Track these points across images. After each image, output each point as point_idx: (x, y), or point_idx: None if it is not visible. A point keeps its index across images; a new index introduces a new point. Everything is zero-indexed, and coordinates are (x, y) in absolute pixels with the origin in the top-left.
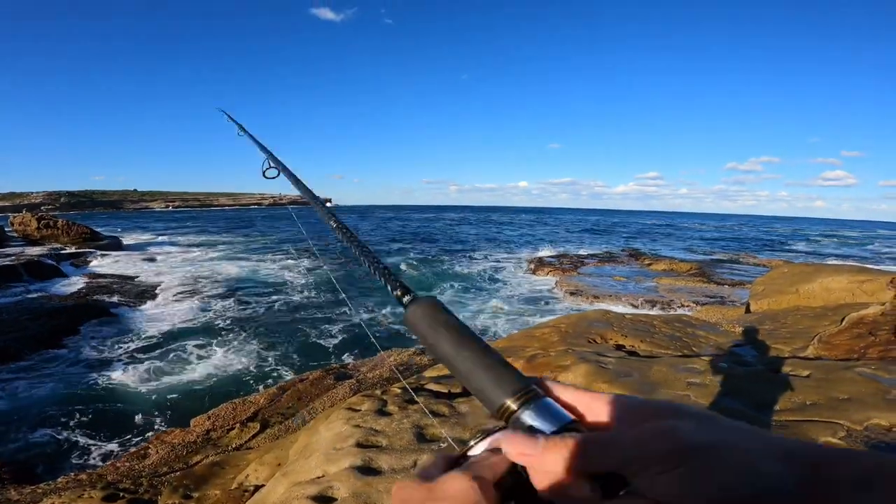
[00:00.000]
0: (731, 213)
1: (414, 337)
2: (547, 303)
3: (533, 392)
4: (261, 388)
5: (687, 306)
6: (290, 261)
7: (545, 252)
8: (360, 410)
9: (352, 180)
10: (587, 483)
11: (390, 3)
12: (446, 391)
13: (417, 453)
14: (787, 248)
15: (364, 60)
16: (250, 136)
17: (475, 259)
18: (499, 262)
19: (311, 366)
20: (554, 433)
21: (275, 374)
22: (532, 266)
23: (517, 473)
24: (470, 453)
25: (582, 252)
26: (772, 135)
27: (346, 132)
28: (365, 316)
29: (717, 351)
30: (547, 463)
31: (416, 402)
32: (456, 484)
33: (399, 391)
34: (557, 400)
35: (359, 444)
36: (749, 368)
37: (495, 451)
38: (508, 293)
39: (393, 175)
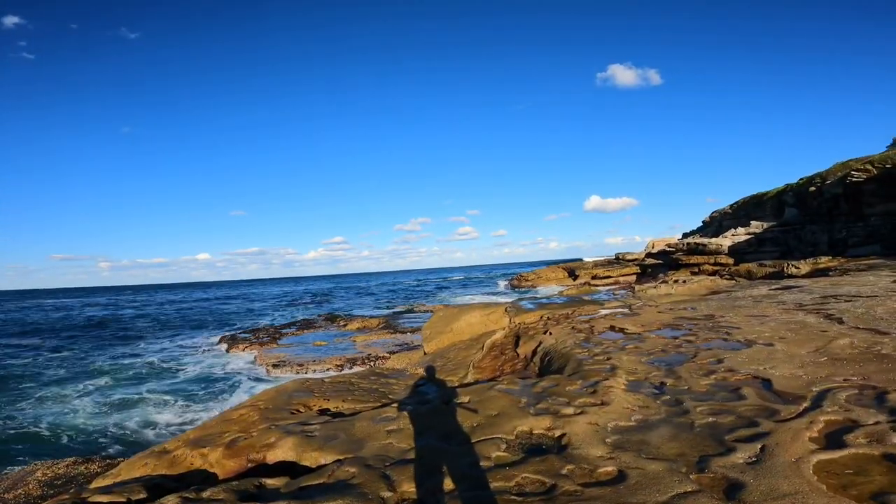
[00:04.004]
0: (404, 268)
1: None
2: (241, 382)
3: None
4: None
5: (383, 357)
6: None
7: (238, 327)
8: None
9: None
10: None
11: (32, 36)
12: (124, 499)
13: None
14: (443, 293)
15: None
16: None
17: (148, 347)
18: (182, 346)
19: None
20: None
21: None
22: (225, 345)
23: None
24: None
25: (279, 322)
26: (423, 197)
27: None
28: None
29: (406, 394)
30: None
31: None
32: None
33: None
34: None
35: None
36: (430, 405)
37: None
38: (195, 377)
39: (5, 249)
